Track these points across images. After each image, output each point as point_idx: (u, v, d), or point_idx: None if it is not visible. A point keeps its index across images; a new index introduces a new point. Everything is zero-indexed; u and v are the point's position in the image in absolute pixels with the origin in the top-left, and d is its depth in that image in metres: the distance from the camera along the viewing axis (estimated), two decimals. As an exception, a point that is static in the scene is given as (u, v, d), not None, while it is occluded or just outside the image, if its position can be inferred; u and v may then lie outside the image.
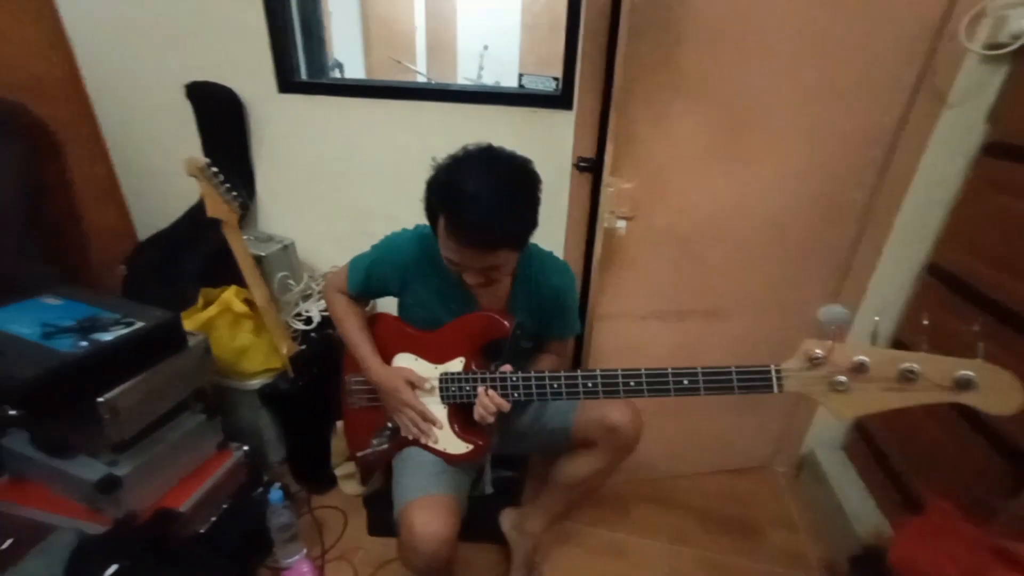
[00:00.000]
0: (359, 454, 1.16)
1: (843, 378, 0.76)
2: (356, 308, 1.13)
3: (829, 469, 1.54)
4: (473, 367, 1.02)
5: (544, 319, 1.09)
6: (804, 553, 1.45)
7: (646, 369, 0.87)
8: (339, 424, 1.24)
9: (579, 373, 0.92)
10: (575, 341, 1.46)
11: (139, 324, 1.07)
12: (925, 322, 0.72)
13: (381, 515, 1.37)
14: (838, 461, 1.57)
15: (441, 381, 1.04)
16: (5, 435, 1.17)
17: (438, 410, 1.05)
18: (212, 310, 1.34)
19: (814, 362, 0.78)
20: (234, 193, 1.30)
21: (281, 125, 1.57)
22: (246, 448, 1.36)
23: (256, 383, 1.42)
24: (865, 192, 1.28)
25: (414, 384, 1.05)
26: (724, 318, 1.41)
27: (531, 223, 0.90)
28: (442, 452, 1.05)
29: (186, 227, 1.59)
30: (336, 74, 1.89)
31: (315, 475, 1.49)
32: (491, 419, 0.97)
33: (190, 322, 1.31)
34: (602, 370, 0.90)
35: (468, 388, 1.01)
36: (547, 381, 0.94)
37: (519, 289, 1.05)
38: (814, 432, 1.66)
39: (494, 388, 0.97)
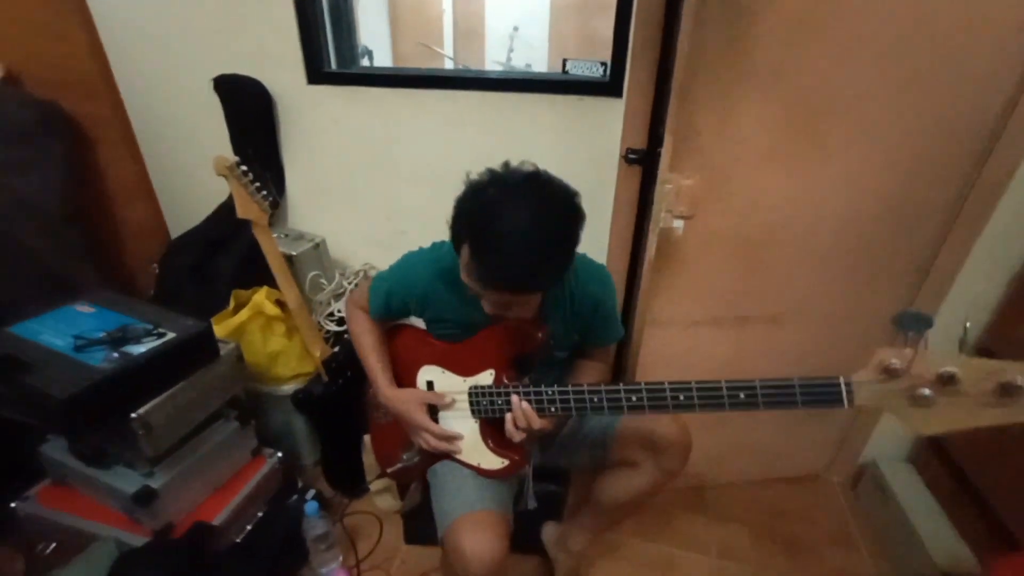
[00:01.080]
0: (389, 470, 1.11)
1: (927, 391, 0.66)
2: (373, 326, 1.07)
3: (894, 483, 1.42)
4: (504, 380, 0.94)
5: (582, 329, 1.01)
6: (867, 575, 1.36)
7: (697, 382, 0.78)
8: (367, 439, 1.19)
9: (622, 387, 0.83)
10: (618, 348, 1.38)
11: (170, 335, 1.03)
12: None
13: (419, 523, 1.33)
14: (904, 474, 1.46)
15: (471, 395, 0.97)
16: (45, 441, 1.17)
17: (469, 425, 0.99)
18: (244, 314, 1.30)
19: (890, 373, 0.68)
20: (264, 192, 1.25)
21: (311, 118, 1.51)
22: (280, 454, 1.33)
23: (289, 388, 1.38)
24: (956, 188, 1.14)
25: (432, 402, 0.99)
26: (786, 326, 1.30)
27: (566, 268, 0.82)
28: (476, 467, 0.99)
29: (218, 225, 1.55)
30: (365, 62, 1.82)
31: (350, 480, 1.46)
32: (520, 436, 0.90)
33: (221, 328, 1.27)
34: (647, 383, 0.81)
35: (500, 402, 0.93)
36: (586, 395, 0.86)
37: (552, 299, 0.96)
38: (875, 441, 1.54)
39: (528, 402, 0.90)
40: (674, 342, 1.30)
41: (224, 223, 1.55)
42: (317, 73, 1.44)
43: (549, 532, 1.28)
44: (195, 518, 1.13)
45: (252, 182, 1.22)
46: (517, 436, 0.91)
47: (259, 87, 1.47)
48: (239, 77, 1.45)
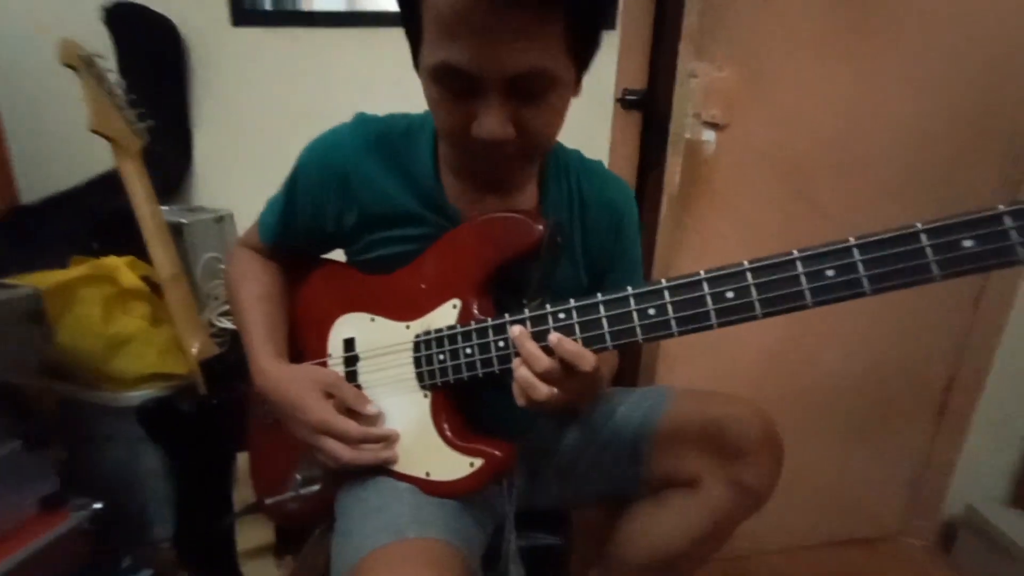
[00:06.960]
0: (269, 501, 0.64)
1: None
2: (263, 268, 0.69)
3: (1018, 538, 1.03)
4: (476, 313, 0.55)
5: (591, 261, 0.65)
6: None
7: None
8: (243, 459, 0.72)
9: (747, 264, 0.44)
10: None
11: None
12: None
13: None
14: (1013, 524, 1.07)
15: (418, 347, 0.57)
16: None
17: (412, 407, 0.58)
18: (76, 271, 0.86)
19: None
20: (140, 111, 0.90)
21: (233, 69, 1.22)
22: (98, 506, 0.80)
23: (137, 395, 0.89)
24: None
25: (337, 393, 0.58)
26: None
27: None
28: (422, 479, 0.57)
29: (79, 192, 1.15)
30: None
31: (221, 562, 0.91)
32: (547, 391, 0.48)
33: (31, 280, 0.82)
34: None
35: (470, 352, 0.54)
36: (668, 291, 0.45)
37: (553, 202, 0.63)
38: (964, 484, 1.16)
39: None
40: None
41: (89, 192, 1.15)
42: (244, 12, 1.18)
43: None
44: None
45: (119, 94, 0.87)
46: (543, 390, 0.47)
47: (166, 27, 1.18)
48: (142, 9, 1.17)
